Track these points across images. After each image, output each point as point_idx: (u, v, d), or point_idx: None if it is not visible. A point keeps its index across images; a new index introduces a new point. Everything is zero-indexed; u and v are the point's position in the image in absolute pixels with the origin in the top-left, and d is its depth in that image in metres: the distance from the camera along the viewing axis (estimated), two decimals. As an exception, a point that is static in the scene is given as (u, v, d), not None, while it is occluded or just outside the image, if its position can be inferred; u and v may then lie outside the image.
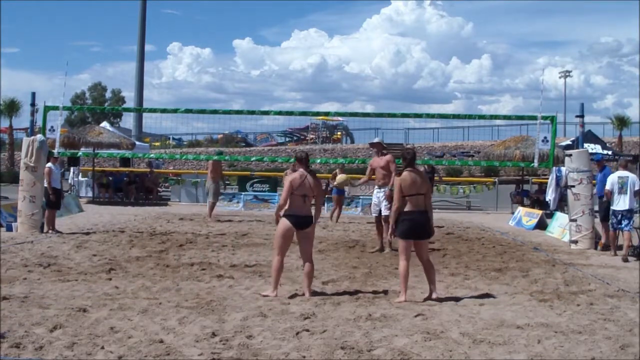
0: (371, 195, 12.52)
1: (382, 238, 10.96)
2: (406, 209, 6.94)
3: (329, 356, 4.85)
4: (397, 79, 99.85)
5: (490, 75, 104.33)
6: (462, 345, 5.14)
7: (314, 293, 7.13)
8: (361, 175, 23.27)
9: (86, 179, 25.33)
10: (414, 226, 6.90)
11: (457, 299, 7.01)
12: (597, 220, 12.35)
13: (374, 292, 7.33)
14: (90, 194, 23.68)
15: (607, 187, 10.93)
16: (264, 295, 6.97)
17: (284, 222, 7.00)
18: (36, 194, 12.49)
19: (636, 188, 10.68)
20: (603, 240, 11.83)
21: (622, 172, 10.86)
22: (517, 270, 9.05)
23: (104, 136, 22.72)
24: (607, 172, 11.77)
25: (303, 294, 7.06)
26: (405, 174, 7.03)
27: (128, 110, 50.60)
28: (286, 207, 7.02)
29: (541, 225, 15.54)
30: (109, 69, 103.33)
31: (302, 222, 7.01)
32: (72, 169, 23.94)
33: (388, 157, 11.03)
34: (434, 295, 6.95)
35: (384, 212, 10.66)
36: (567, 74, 56.95)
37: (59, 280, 7.71)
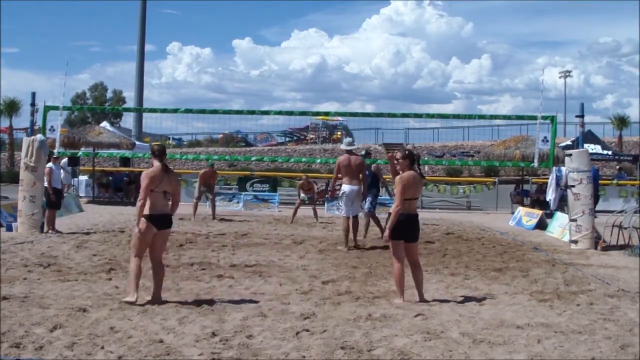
0: (371, 196, 12.65)
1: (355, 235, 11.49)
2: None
3: (329, 356, 4.85)
4: (396, 79, 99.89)
5: (490, 75, 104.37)
6: (462, 345, 5.14)
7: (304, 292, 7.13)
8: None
9: (86, 178, 25.35)
10: (403, 228, 6.74)
11: (457, 299, 7.00)
12: (597, 220, 12.39)
13: (374, 292, 7.33)
14: (90, 194, 23.68)
15: None
16: (128, 302, 6.34)
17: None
18: (36, 194, 12.48)
19: None
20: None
21: None
22: (517, 270, 9.05)
23: (104, 136, 22.76)
24: (592, 171, 12.34)
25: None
26: (407, 175, 6.81)
27: (128, 110, 50.51)
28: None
29: (541, 225, 15.54)
30: (108, 69, 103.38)
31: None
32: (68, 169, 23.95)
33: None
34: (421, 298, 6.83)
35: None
36: (567, 74, 56.99)
37: (59, 280, 7.72)
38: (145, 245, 6.54)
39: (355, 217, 11.46)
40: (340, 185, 11.67)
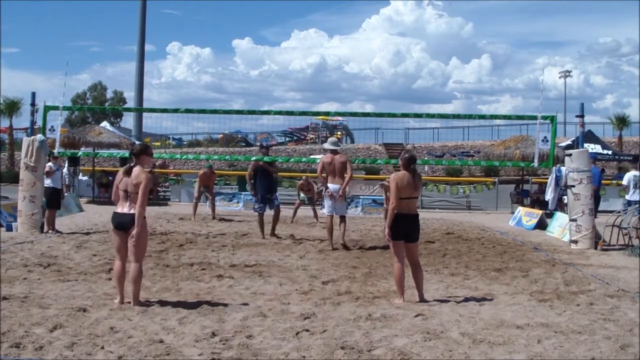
0: (372, 195, 12.62)
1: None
2: (397, 211, 6.73)
3: (329, 356, 4.85)
4: (396, 79, 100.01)
5: (489, 75, 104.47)
6: (462, 345, 5.14)
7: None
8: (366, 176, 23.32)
9: (86, 178, 25.35)
10: (402, 227, 6.74)
11: (457, 299, 7.00)
12: (598, 220, 12.37)
13: (374, 292, 7.33)
14: (90, 194, 23.67)
15: (624, 182, 14.52)
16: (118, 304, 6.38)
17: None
18: (36, 194, 12.48)
19: None
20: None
21: (636, 172, 14.42)
22: (517, 270, 9.04)
23: (104, 136, 22.76)
24: (594, 171, 12.78)
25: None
26: (400, 174, 6.83)
27: (128, 110, 50.58)
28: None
29: (541, 225, 15.53)
30: (108, 69, 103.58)
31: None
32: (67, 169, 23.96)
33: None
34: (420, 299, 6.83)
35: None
36: (567, 74, 57.03)
37: (59, 280, 7.72)
38: (116, 245, 6.63)
39: (343, 217, 11.42)
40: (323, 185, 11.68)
